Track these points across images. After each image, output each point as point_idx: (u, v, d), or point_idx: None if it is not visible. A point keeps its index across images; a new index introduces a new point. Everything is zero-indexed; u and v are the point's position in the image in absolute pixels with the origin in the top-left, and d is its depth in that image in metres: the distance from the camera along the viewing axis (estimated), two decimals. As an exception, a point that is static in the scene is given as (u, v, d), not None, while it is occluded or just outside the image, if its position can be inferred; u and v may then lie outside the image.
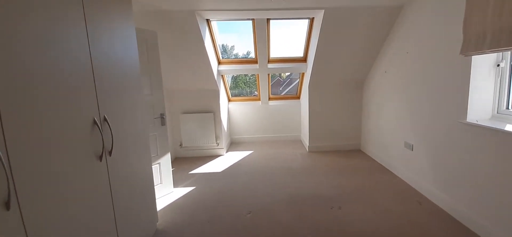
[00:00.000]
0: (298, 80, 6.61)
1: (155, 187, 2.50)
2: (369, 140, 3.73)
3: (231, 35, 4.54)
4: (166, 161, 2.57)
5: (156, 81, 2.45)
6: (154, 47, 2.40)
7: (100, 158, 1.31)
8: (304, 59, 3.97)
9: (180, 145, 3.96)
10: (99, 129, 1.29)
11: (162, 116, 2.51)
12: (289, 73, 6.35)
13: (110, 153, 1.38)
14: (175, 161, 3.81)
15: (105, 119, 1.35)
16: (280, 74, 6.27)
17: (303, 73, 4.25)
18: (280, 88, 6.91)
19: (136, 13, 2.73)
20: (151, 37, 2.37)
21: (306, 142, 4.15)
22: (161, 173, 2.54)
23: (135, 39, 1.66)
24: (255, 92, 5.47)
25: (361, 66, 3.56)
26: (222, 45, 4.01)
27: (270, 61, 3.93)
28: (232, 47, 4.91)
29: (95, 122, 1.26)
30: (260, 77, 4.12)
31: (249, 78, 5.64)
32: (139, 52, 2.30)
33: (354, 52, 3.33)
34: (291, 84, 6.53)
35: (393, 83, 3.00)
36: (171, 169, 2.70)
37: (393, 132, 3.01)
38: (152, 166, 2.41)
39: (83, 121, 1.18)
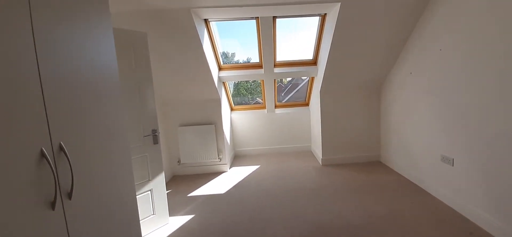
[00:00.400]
0: (301, 85, 6.21)
1: (147, 218, 2.08)
2: (391, 151, 3.30)
3: (231, 41, 4.11)
4: (159, 186, 2.15)
5: (147, 91, 2.06)
6: (143, 51, 2.01)
7: (53, 205, 0.90)
8: (314, 62, 3.58)
9: (178, 162, 3.54)
10: (50, 164, 0.88)
11: (154, 133, 2.11)
12: (290, 79, 5.93)
13: (69, 195, 0.97)
14: (173, 180, 3.38)
15: (61, 148, 0.94)
16: (281, 80, 5.86)
17: (312, 78, 3.86)
18: (282, 95, 6.47)
19: (123, 14, 2.36)
20: (139, 40, 1.99)
21: (319, 154, 3.72)
22: (153, 202, 2.11)
23: (112, 42, 1.27)
24: (257, 98, 5.08)
25: (380, 67, 3.16)
26: (223, 52, 3.62)
27: (276, 65, 3.54)
28: (233, 54, 4.44)
29: (43, 155, 0.86)
30: (265, 83, 3.73)
31: (251, 85, 5.26)
32: (124, 58, 1.92)
33: (372, 51, 2.94)
34: (294, 90, 6.09)
35: (421, 86, 2.59)
36: (168, 191, 2.28)
37: (424, 143, 2.59)
38: (143, 194, 2.00)
39: (23, 155, 0.78)
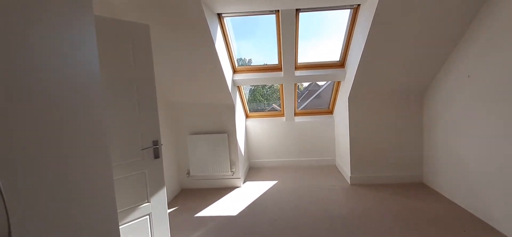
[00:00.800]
0: (319, 91, 5.68)
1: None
2: (438, 171, 2.73)
3: (246, 44, 3.72)
4: (160, 209, 1.79)
5: (147, 94, 1.72)
6: (144, 46, 1.69)
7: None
8: (341, 64, 3.12)
9: (187, 174, 3.20)
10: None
11: (155, 145, 1.76)
12: (307, 84, 5.43)
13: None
14: (181, 195, 3.03)
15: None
16: (297, 86, 5.37)
17: (338, 83, 3.39)
18: (298, 102, 5.95)
19: (123, 3, 2.08)
20: (140, 32, 1.67)
21: (346, 171, 3.21)
22: (152, 229, 1.75)
23: (92, 35, 0.93)
24: (273, 105, 4.67)
25: (425, 69, 2.64)
26: (238, 59, 3.26)
27: (297, 67, 3.13)
28: (249, 60, 3.97)
29: None
30: (284, 87, 3.32)
31: (267, 90, 4.86)
32: (120, 54, 1.61)
33: (416, 50, 2.44)
34: (311, 96, 5.59)
35: (485, 92, 2.05)
36: (174, 209, 1.92)
37: (492, 165, 2.02)
38: (138, 220, 1.65)
39: None
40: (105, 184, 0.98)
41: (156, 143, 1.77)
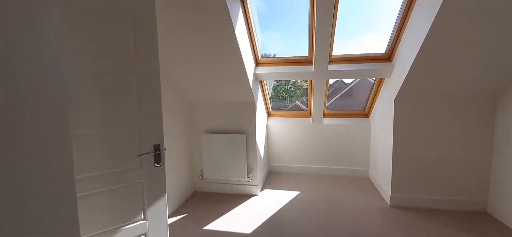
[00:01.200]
0: (346, 89, 4.97)
1: None
2: (510, 200, 2.10)
3: (270, 35, 3.24)
4: (159, 227, 1.48)
5: (150, 88, 1.40)
6: (148, 27, 1.35)
7: None
8: (387, 58, 2.56)
9: (201, 176, 2.91)
10: None
11: (156, 151, 1.44)
12: (333, 81, 4.75)
13: None
14: (193, 198, 2.76)
15: None
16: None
17: (380, 80, 2.83)
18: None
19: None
20: (142, 10, 1.33)
21: (385, 188, 2.69)
22: (148, 251, 1.46)
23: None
24: (296, 102, 4.19)
25: (503, 67, 2.00)
26: (263, 55, 2.84)
27: (332, 61, 2.63)
28: (274, 55, 3.48)
29: None
30: (314, 84, 2.84)
31: (290, 86, 4.37)
32: (117, 35, 1.30)
33: (493, 42, 1.82)
34: (335, 96, 4.89)
35: None
36: (182, 216, 1.62)
37: None
38: (129, 243, 1.35)
39: None
40: (63, 201, 0.67)
41: (157, 147, 1.45)
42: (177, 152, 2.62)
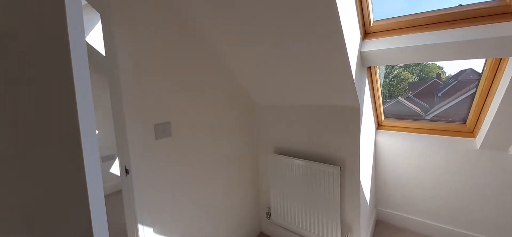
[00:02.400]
0: (477, 88, 2.32)
1: None
2: None
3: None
4: None
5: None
6: None
7: None
8: None
9: (268, 214, 1.96)
10: None
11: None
12: (453, 72, 2.28)
13: None
14: (251, 250, 1.85)
15: None
16: (438, 73, 2.35)
17: None
18: (434, 100, 2.31)
19: None
20: None
21: None
22: None
23: None
24: (398, 98, 2.39)
25: None
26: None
27: None
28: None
29: None
30: (506, 72, 1.27)
31: (400, 72, 2.53)
32: None
33: None
34: (460, 94, 2.31)
35: None
36: None
37: None
38: None
39: None
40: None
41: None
42: (238, 175, 1.78)
